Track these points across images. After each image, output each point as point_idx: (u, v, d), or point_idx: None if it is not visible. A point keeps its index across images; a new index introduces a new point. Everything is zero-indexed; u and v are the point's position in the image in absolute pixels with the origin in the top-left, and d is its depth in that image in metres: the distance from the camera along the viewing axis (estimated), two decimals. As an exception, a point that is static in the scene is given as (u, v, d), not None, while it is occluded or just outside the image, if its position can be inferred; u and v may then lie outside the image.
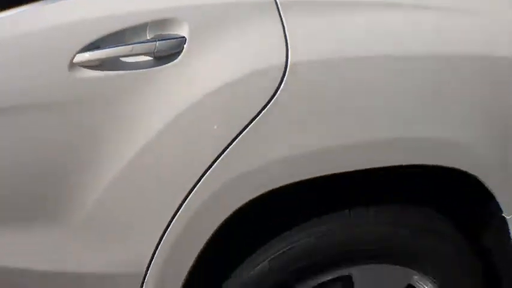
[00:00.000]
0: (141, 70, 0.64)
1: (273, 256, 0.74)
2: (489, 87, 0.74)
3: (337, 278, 0.81)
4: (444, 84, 0.72)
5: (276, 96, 0.65)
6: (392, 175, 0.77)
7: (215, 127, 0.66)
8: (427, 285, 0.85)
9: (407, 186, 0.82)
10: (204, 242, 0.70)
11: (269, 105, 0.65)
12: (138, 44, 0.64)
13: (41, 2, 0.63)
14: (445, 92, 0.72)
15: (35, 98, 0.63)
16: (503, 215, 0.82)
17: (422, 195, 0.84)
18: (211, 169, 0.66)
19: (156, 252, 0.69)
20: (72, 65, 0.62)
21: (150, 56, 0.64)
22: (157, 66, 0.64)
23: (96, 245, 0.70)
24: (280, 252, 0.74)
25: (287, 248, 0.74)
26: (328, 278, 0.80)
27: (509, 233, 0.84)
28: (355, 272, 0.79)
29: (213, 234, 0.70)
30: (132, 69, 0.64)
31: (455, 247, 0.83)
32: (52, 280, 0.73)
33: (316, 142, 0.69)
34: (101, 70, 0.63)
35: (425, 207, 0.82)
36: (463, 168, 0.74)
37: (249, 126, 0.65)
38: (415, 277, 0.83)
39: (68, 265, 0.71)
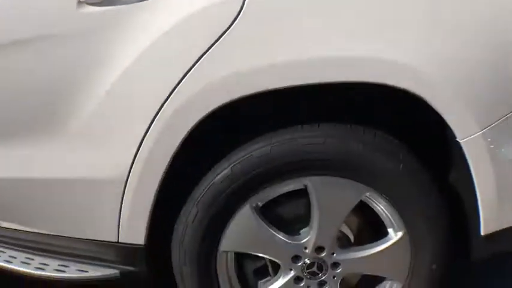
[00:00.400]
0: (128, 5, 0.85)
1: (234, 163, 0.89)
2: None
3: (295, 192, 0.93)
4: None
5: (236, 20, 0.80)
6: (350, 96, 0.89)
7: None
8: (380, 203, 0.93)
9: (366, 109, 0.92)
10: (176, 147, 0.87)
11: (232, 26, 0.80)
12: None
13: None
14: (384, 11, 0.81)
15: (47, 29, 0.87)
16: (456, 139, 0.88)
17: (380, 119, 0.93)
18: (182, 81, 0.83)
19: (136, 158, 0.88)
20: (80, 3, 0.84)
21: None
22: (140, 2, 0.84)
23: (86, 153, 0.91)
24: (240, 159, 0.89)
25: (247, 156, 0.89)
26: (285, 189, 0.92)
27: (465, 158, 0.89)
28: (310, 183, 0.90)
29: (183, 141, 0.87)
30: (122, 4, 0.85)
31: (407, 168, 0.90)
32: (49, 186, 0.95)
33: (271, 57, 0.83)
34: (100, 6, 0.85)
35: (381, 130, 0.91)
36: (403, 86, 0.82)
37: (215, 45, 0.81)
38: (368, 193, 0.91)
39: (62, 172, 0.93)
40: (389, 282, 1.01)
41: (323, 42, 0.82)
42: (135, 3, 0.84)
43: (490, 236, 0.94)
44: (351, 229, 0.99)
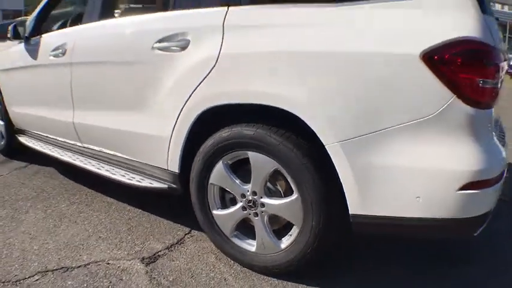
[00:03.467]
0: (174, 53, 1.73)
1: (215, 138, 1.69)
2: None
3: (244, 159, 1.66)
4: None
5: (212, 70, 1.60)
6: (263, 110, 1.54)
7: None
8: (287, 173, 1.54)
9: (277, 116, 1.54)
10: (190, 124, 1.73)
11: (210, 72, 1.61)
12: (175, 42, 1.73)
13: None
14: None
15: (128, 57, 1.88)
16: (325, 146, 1.43)
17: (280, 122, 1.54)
18: (192, 95, 1.69)
19: (174, 126, 1.78)
20: (153, 47, 1.78)
21: (179, 47, 1.72)
22: (180, 51, 1.71)
23: (153, 121, 1.88)
24: (217, 136, 1.68)
25: (220, 135, 1.67)
26: (240, 157, 1.66)
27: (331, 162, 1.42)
28: (249, 155, 1.61)
29: (194, 122, 1.72)
30: (171, 52, 1.74)
31: (299, 156, 1.49)
32: (135, 135, 1.97)
33: (229, 87, 1.59)
34: (164, 51, 1.76)
35: (283, 129, 1.53)
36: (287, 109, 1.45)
37: (203, 80, 1.64)
38: (279, 165, 1.55)
39: (142, 129, 1.95)
40: (295, 227, 1.63)
41: (251, 84, 1.54)
42: (178, 52, 1.72)
43: (358, 217, 1.43)
44: (277, 186, 1.65)
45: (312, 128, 1.43)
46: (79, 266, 1.79)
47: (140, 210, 2.37)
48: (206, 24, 1.69)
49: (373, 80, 1.32)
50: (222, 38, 1.61)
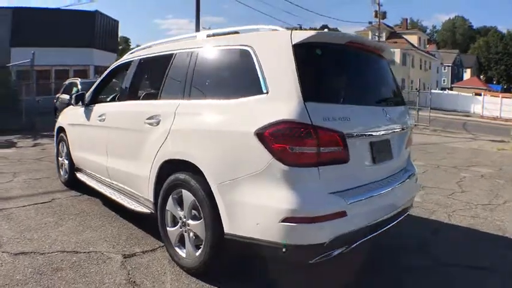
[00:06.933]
0: (153, 126, 2.88)
1: (168, 179, 2.72)
2: None
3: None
4: None
5: (168, 136, 2.69)
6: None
7: None
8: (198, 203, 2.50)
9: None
10: (158, 169, 2.81)
11: (167, 138, 2.70)
12: (154, 120, 2.89)
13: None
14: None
15: (132, 127, 3.09)
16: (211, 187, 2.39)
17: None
18: (159, 150, 2.79)
19: (151, 169, 2.88)
20: (145, 122, 2.93)
21: (156, 123, 2.86)
22: (156, 126, 2.86)
23: (138, 165, 2.99)
24: (169, 180, 2.71)
25: (170, 179, 2.70)
26: (181, 193, 2.66)
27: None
28: (183, 192, 2.60)
29: (160, 169, 2.80)
30: (153, 126, 2.89)
31: (202, 193, 2.42)
32: (126, 173, 3.07)
33: (172, 149, 2.66)
34: (149, 125, 2.92)
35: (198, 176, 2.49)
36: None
37: (163, 143, 2.73)
38: (195, 199, 2.49)
39: (132, 170, 3.04)
40: (203, 240, 2.54)
41: (179, 147, 2.64)
42: (155, 126, 2.85)
43: (228, 234, 2.27)
44: (196, 213, 2.57)
45: (205, 176, 2.38)
46: (84, 252, 2.90)
47: (140, 229, 3.44)
48: (168, 111, 2.81)
49: (233, 147, 2.26)
50: (173, 119, 2.70)
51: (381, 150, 2.58)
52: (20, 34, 17.73)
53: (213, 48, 2.77)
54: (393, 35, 43.02)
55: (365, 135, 2.43)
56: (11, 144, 8.54)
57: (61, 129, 4.81)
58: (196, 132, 2.52)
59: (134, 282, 2.50)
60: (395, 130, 2.76)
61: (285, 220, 2.04)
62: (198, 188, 2.44)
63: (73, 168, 4.59)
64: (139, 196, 3.13)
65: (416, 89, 19.26)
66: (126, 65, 3.82)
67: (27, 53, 11.70)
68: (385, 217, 2.49)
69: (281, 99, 2.15)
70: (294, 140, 2.06)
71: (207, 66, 2.79)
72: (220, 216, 2.32)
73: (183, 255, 2.66)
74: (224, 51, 2.67)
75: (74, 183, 4.63)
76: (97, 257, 2.82)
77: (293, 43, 2.23)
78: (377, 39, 33.22)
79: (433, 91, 26.88)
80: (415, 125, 15.99)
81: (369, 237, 2.36)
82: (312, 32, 2.28)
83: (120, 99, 3.71)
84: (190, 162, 2.49)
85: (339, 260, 2.30)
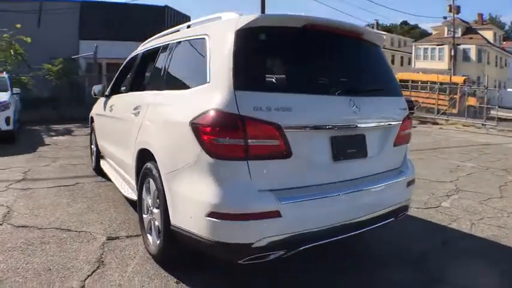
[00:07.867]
0: (135, 116, 3.03)
1: (144, 165, 2.84)
2: None
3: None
4: None
5: (141, 126, 2.81)
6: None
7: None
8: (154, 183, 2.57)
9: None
10: (136, 155, 2.94)
11: (140, 128, 2.82)
12: (136, 110, 3.04)
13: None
14: None
15: (123, 116, 3.23)
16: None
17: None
18: (136, 139, 2.92)
19: (133, 158, 3.02)
20: (131, 112, 3.10)
21: (137, 113, 3.01)
22: (137, 116, 3.01)
23: (124, 152, 3.14)
24: (145, 166, 2.83)
25: (144, 166, 2.82)
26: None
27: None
28: (150, 180, 2.68)
29: (137, 158, 2.93)
30: (135, 116, 3.04)
31: (160, 182, 2.47)
32: (121, 161, 3.24)
33: (143, 137, 2.78)
34: (134, 115, 3.08)
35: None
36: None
37: (138, 132, 2.85)
38: (156, 188, 2.56)
39: (123, 157, 3.21)
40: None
41: (143, 136, 2.79)
42: (136, 116, 3.01)
43: (174, 226, 2.25)
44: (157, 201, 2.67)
45: (158, 165, 2.44)
46: (76, 231, 3.19)
47: (134, 216, 3.64)
48: (145, 101, 2.94)
49: (176, 137, 2.25)
50: (147, 110, 2.82)
51: (346, 146, 2.33)
52: (89, 27, 17.20)
53: (183, 40, 2.80)
54: (469, 30, 39.05)
55: (319, 128, 2.20)
56: (67, 132, 9.51)
57: (91, 119, 5.25)
58: (154, 123, 2.61)
59: (103, 261, 2.67)
60: (373, 124, 2.48)
61: (209, 215, 1.95)
62: (157, 177, 2.48)
63: (99, 155, 4.97)
64: (130, 183, 3.31)
65: (484, 86, 17.22)
66: (135, 57, 4.06)
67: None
68: (349, 222, 2.25)
69: (217, 88, 2.05)
70: (219, 131, 1.93)
71: (175, 58, 2.84)
72: (168, 208, 2.31)
73: (150, 242, 2.76)
74: (190, 42, 2.68)
75: (100, 170, 4.99)
76: (84, 236, 3.07)
77: (236, 29, 2.12)
78: (452, 34, 30.54)
79: (509, 89, 24.02)
80: (483, 124, 14.55)
81: (323, 242, 2.15)
82: (254, 16, 2.14)
83: (125, 91, 3.95)
84: (150, 152, 2.58)
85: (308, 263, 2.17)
